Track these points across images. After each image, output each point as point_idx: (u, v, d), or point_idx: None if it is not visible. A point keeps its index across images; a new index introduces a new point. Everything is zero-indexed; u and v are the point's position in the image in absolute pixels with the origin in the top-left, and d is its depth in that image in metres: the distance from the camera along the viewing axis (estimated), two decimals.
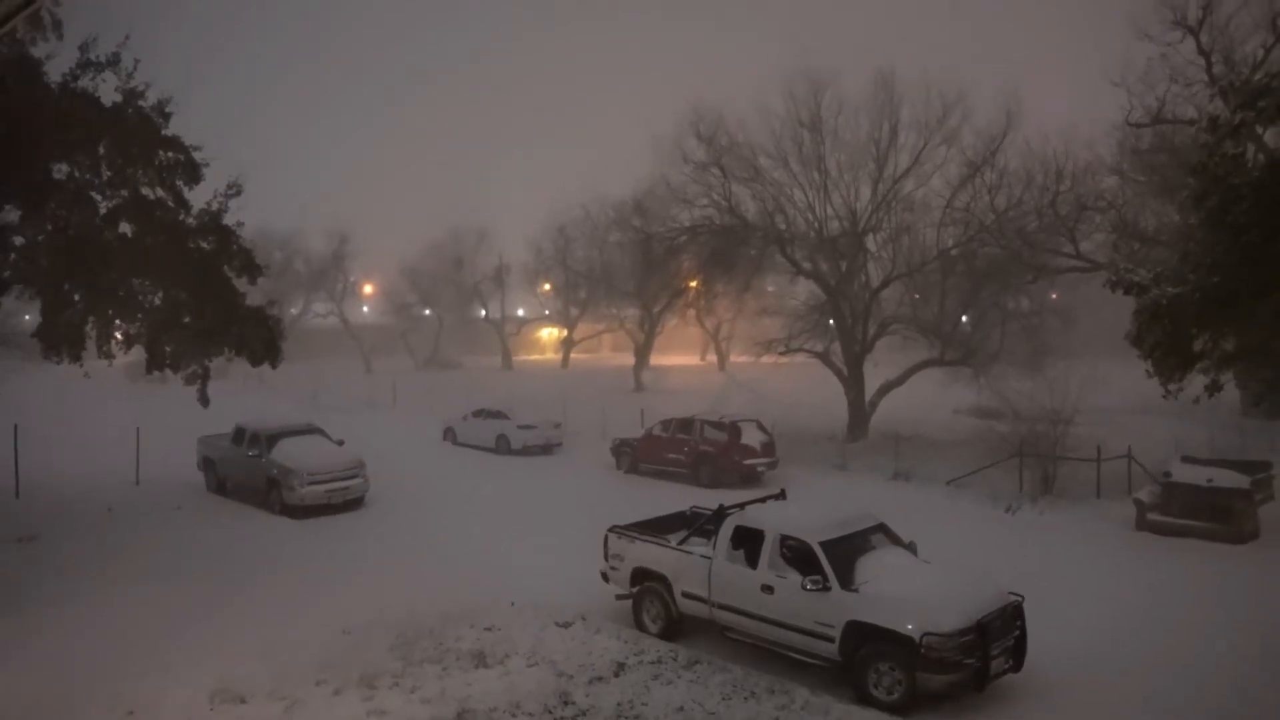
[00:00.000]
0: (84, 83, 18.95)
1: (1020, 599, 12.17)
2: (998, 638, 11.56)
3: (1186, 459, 21.84)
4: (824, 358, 34.42)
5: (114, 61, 19.13)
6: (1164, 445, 25.72)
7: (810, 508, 14.86)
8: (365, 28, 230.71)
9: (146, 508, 22.83)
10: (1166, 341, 13.23)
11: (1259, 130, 15.54)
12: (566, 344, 78.04)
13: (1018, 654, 11.93)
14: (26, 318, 34.15)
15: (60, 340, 19.10)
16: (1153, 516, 20.49)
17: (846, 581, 11.98)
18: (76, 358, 19.39)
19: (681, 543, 14.26)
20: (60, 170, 19.02)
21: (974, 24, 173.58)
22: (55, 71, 18.63)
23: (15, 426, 23.73)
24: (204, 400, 21.93)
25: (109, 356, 20.85)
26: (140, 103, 19.63)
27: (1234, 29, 29.22)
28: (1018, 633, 11.96)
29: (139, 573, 17.36)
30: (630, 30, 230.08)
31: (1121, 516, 21.21)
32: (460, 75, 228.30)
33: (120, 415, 34.34)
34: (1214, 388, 13.79)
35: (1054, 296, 37.52)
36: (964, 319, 34.04)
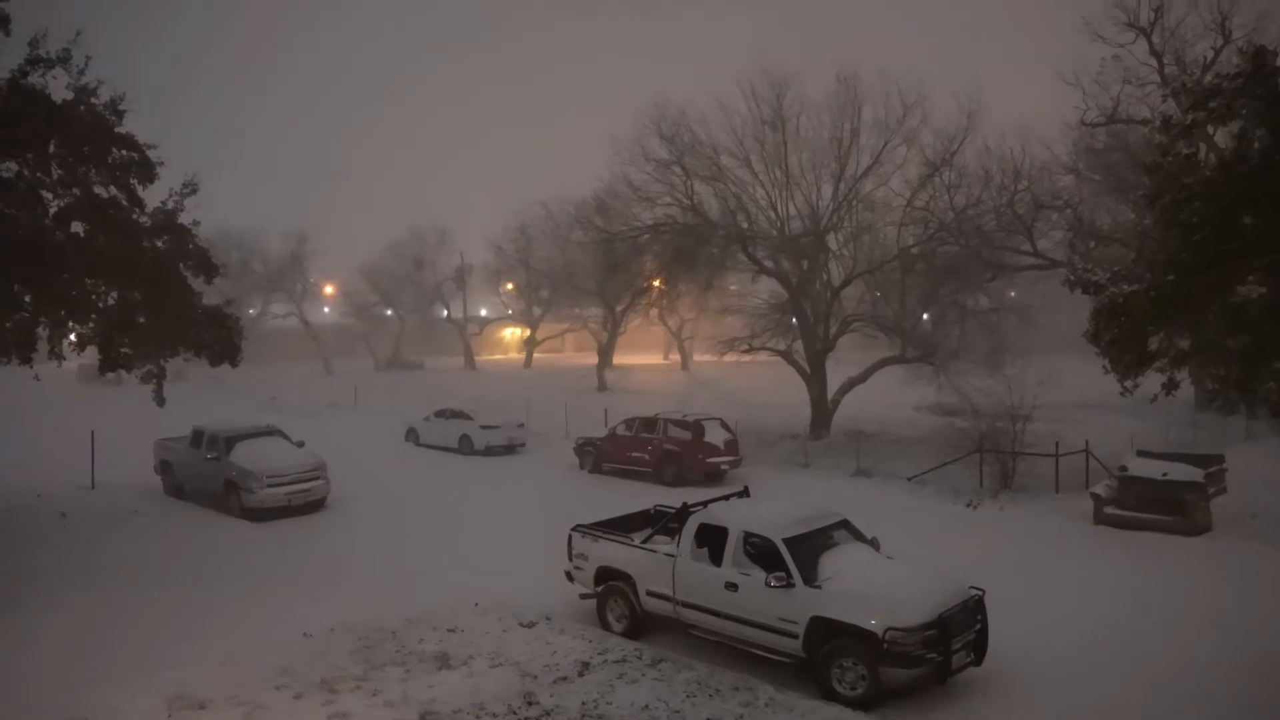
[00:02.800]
0: (33, 79, 18.52)
1: (981, 593, 12.29)
2: (959, 632, 11.67)
3: (1142, 453, 22.18)
4: (786, 356, 34.53)
5: (65, 58, 18.68)
6: (1120, 440, 26.10)
7: (773, 505, 14.91)
8: (324, 30, 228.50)
9: (102, 512, 22.45)
10: (1123, 339, 13.39)
11: (1210, 130, 15.82)
12: (529, 344, 77.81)
13: (979, 648, 12.05)
14: None
15: (10, 343, 18.68)
16: (1110, 510, 20.78)
17: (810, 578, 12.02)
18: (26, 360, 18.96)
19: (645, 541, 14.23)
20: (9, 169, 18.60)
21: (931, 23, 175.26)
22: (3, 68, 18.22)
23: None
24: (159, 400, 21.58)
25: (60, 357, 20.44)
26: (93, 100, 19.22)
27: (1185, 30, 29.86)
28: (979, 627, 12.07)
29: (95, 578, 17.09)
30: (591, 27, 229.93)
31: (1079, 510, 21.47)
32: (419, 75, 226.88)
33: (74, 418, 33.72)
34: (1171, 385, 13.98)
35: (1012, 294, 38.02)
36: (924, 317, 34.35)
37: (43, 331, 19.45)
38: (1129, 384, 14.01)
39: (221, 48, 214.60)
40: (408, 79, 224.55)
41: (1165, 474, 20.33)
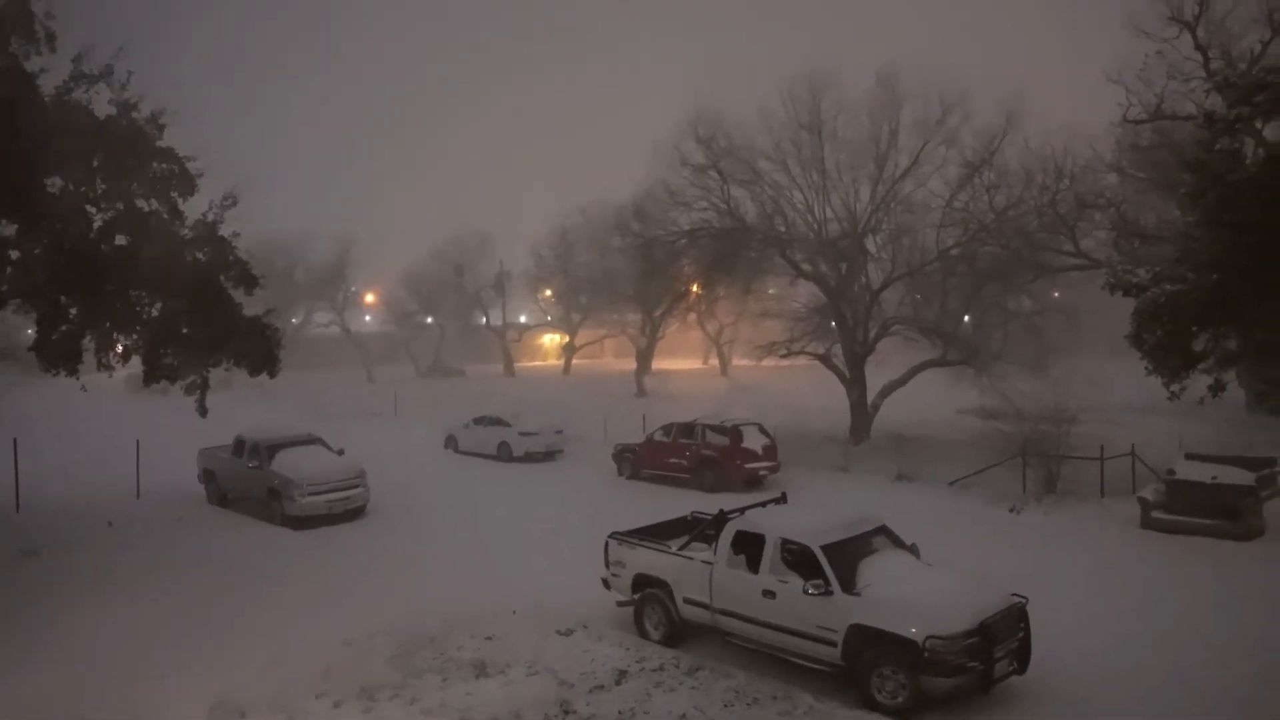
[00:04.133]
0: (77, 95, 18.92)
1: (1024, 600, 12.07)
2: (1002, 640, 11.45)
3: (1191, 456, 21.72)
4: (825, 360, 34.33)
5: (108, 74, 19.09)
6: (1168, 443, 25.60)
7: (811, 511, 14.79)
8: (366, 37, 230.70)
9: (148, 520, 22.73)
10: (1166, 341, 13.13)
11: (1257, 125, 15.46)
12: (568, 350, 77.99)
13: (1022, 656, 11.82)
14: (29, 331, 34.16)
15: (57, 354, 19.03)
16: (1157, 515, 20.35)
17: (848, 585, 11.88)
18: (73, 371, 19.32)
19: (682, 548, 14.16)
20: (54, 184, 18.96)
21: (972, 21, 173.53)
22: (48, 84, 18.59)
23: (15, 441, 23.67)
24: (202, 410, 21.89)
25: (108, 368, 20.79)
26: (134, 114, 19.60)
27: (1231, 24, 29.09)
28: (1022, 635, 11.84)
29: (140, 586, 17.29)
30: (628, 33, 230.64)
31: (1126, 515, 21.07)
32: (459, 84, 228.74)
33: (121, 428, 34.30)
34: (1217, 388, 13.67)
35: (1055, 295, 37.42)
36: (966, 319, 33.92)
37: (89, 343, 19.80)
38: (1175, 388, 13.73)
39: (262, 52, 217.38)
40: (449, 88, 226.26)
41: (1215, 477, 19.89)
